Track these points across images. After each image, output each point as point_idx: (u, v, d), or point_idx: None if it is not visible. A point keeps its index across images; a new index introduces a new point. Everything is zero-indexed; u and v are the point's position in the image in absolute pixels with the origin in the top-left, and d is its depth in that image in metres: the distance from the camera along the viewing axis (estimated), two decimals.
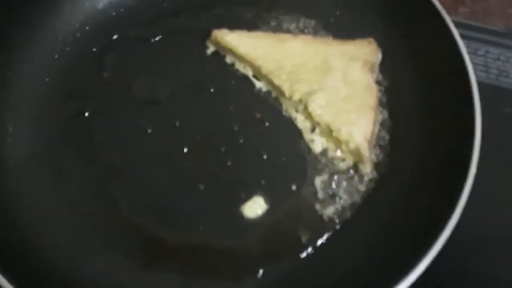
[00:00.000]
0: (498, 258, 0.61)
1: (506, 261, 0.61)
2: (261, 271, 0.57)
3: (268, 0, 0.76)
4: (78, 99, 0.70)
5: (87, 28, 0.75)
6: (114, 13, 0.77)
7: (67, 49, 0.73)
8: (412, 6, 0.68)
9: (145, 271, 0.58)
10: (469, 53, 0.77)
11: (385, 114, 0.67)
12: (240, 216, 0.61)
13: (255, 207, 0.61)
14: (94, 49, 0.74)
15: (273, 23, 0.75)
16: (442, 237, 0.51)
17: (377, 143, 0.65)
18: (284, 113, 0.68)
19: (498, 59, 0.78)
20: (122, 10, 0.77)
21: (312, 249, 0.58)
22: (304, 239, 0.59)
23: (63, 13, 0.74)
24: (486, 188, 0.61)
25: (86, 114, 0.69)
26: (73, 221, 0.61)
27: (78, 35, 0.75)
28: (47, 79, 0.71)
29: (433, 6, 0.65)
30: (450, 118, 0.61)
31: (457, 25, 0.76)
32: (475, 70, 0.75)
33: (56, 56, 0.73)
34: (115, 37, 0.75)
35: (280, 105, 0.68)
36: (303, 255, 0.58)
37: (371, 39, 0.69)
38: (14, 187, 0.62)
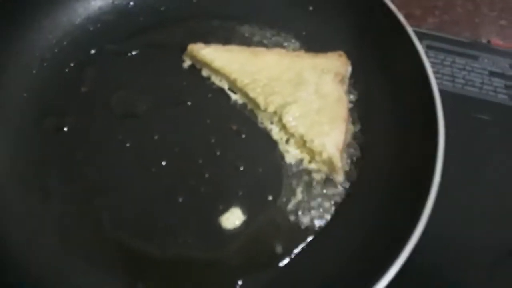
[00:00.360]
0: (464, 261, 0.63)
1: (470, 264, 0.64)
2: (240, 282, 0.58)
3: (242, 14, 0.78)
4: (57, 115, 0.71)
5: (64, 43, 0.76)
6: (91, 28, 0.78)
7: (45, 64, 0.74)
8: (378, 20, 0.71)
9: (128, 286, 0.58)
10: (436, 63, 0.81)
11: (355, 124, 0.69)
12: (219, 227, 0.62)
13: (233, 218, 0.62)
14: (72, 64, 0.75)
15: (247, 36, 0.77)
16: (411, 242, 0.53)
17: (348, 152, 0.67)
18: (259, 125, 0.70)
19: (464, 69, 0.81)
20: (99, 25, 0.78)
21: (290, 258, 0.60)
22: (281, 248, 0.61)
23: (40, 29, 0.75)
24: (456, 189, 0.64)
25: (65, 129, 0.69)
26: (55, 238, 0.61)
27: (56, 50, 0.75)
28: (25, 95, 0.71)
29: (398, 21, 0.68)
30: (415, 126, 0.64)
31: (425, 36, 0.80)
32: (442, 80, 0.79)
33: (34, 71, 0.73)
34: (92, 51, 0.76)
35: (256, 117, 0.70)
36: (281, 264, 0.60)
37: (341, 52, 0.72)
38: None
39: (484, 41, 0.86)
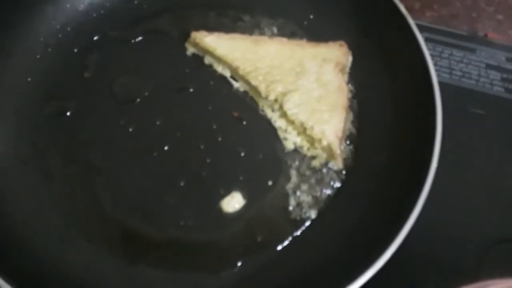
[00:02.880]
0: (455, 249, 0.64)
1: (461, 251, 0.64)
2: (239, 263, 0.59)
3: (244, 3, 0.78)
4: (60, 99, 0.70)
5: (68, 29, 0.76)
6: (94, 15, 0.77)
7: (49, 49, 0.74)
8: (379, 11, 0.70)
9: (128, 266, 0.59)
10: (434, 55, 0.81)
11: (354, 113, 0.69)
12: (219, 211, 0.62)
13: (233, 202, 0.63)
14: (76, 50, 0.74)
15: (249, 25, 0.76)
16: (406, 227, 0.54)
17: (347, 140, 0.67)
18: (260, 112, 0.70)
19: (461, 61, 0.81)
20: (102, 11, 0.78)
21: (288, 241, 0.61)
22: (280, 232, 0.61)
23: (44, 15, 0.75)
24: (449, 181, 0.65)
25: (68, 114, 0.69)
26: (57, 218, 0.62)
27: (60, 36, 0.75)
28: (29, 79, 0.71)
29: (399, 12, 0.68)
30: (414, 116, 0.64)
31: (424, 29, 0.80)
32: (439, 72, 0.79)
33: (38, 56, 0.73)
34: (96, 38, 0.76)
35: (257, 104, 0.70)
36: (279, 247, 0.60)
37: (342, 42, 0.72)
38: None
39: (481, 35, 0.86)
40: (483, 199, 0.69)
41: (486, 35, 0.86)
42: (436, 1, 0.94)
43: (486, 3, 0.96)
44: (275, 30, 0.76)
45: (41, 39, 0.74)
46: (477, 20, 0.92)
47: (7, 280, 0.51)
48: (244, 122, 0.69)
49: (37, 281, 0.55)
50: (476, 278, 0.47)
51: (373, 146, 0.66)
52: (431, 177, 0.56)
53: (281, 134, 0.68)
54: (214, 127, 0.68)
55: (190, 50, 0.74)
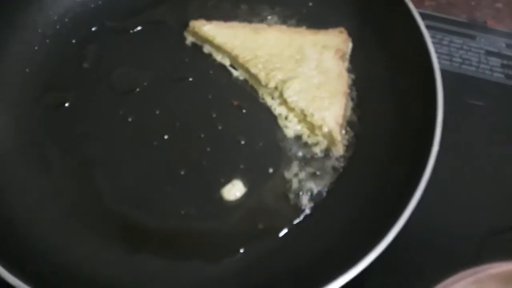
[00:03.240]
0: (454, 238, 0.64)
1: (460, 239, 0.64)
2: (241, 250, 0.58)
3: None
4: (58, 90, 0.70)
5: (66, 20, 0.75)
6: (92, 5, 0.76)
7: (47, 40, 0.73)
8: None
9: (129, 255, 0.58)
10: (434, 43, 0.80)
11: (355, 100, 0.69)
12: (220, 199, 0.62)
13: (234, 190, 0.62)
14: (74, 41, 0.73)
15: (247, 13, 0.75)
16: (406, 212, 0.53)
17: (347, 127, 0.67)
18: (260, 100, 0.69)
19: (461, 48, 0.80)
20: (100, 2, 0.77)
21: (289, 228, 0.60)
22: (281, 219, 0.60)
23: (42, 5, 0.74)
24: (450, 169, 0.64)
25: (67, 105, 0.69)
26: (57, 210, 0.61)
27: (58, 26, 0.74)
28: (27, 70, 0.70)
29: None
30: (415, 102, 0.63)
31: (423, 16, 0.79)
32: (440, 59, 0.78)
33: (36, 47, 0.72)
34: (94, 28, 0.75)
35: (257, 92, 0.70)
36: (281, 234, 0.60)
37: (342, 29, 0.71)
38: None
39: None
40: (483, 188, 0.68)
41: (485, 23, 0.85)
42: None
43: None
44: (274, 18, 0.75)
45: (39, 30, 0.73)
46: (475, 8, 0.92)
47: (9, 270, 0.50)
48: (244, 111, 0.68)
49: (38, 272, 0.54)
50: (475, 264, 0.46)
51: (373, 132, 0.65)
52: (432, 163, 0.56)
53: (281, 122, 0.67)
54: (214, 115, 0.68)
55: (189, 39, 0.74)
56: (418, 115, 0.61)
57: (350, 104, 0.68)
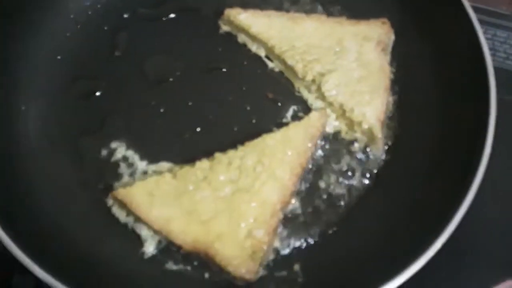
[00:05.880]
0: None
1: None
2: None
3: None
4: (90, 78, 0.66)
5: (98, 6, 0.70)
6: None
7: (79, 27, 0.69)
8: None
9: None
10: None
11: (396, 95, 0.63)
12: None
13: None
14: (106, 28, 0.69)
15: (285, 1, 0.70)
16: (454, 221, 0.48)
17: (387, 123, 0.61)
18: (296, 93, 0.64)
19: (505, 43, 0.74)
20: None
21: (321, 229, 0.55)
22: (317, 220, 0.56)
23: None
24: (501, 172, 0.58)
25: (97, 94, 0.65)
26: (85, 200, 0.58)
27: (90, 13, 0.70)
28: (58, 57, 0.67)
29: None
30: (464, 101, 0.57)
31: None
32: None
33: (68, 34, 0.68)
34: (126, 15, 0.70)
35: (292, 85, 0.65)
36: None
37: (385, 20, 0.65)
38: (28, 166, 0.58)
39: None
40: None
41: None
42: None
43: None
44: (312, 6, 0.69)
45: (71, 16, 0.69)
46: None
47: (36, 262, 0.47)
48: (279, 104, 0.63)
49: (63, 264, 0.50)
50: None
51: (416, 129, 0.60)
52: (484, 165, 0.50)
53: None
54: (248, 108, 0.63)
55: (223, 28, 0.68)
56: (467, 115, 0.55)
57: (391, 100, 0.62)
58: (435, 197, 0.53)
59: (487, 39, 0.73)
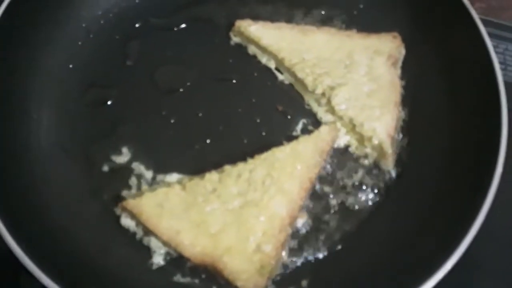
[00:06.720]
0: None
1: None
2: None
3: None
4: (101, 87, 0.66)
5: (110, 15, 0.70)
6: (137, 1, 0.72)
7: (91, 36, 0.69)
8: (438, 0, 0.62)
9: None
10: None
11: (406, 110, 0.62)
12: None
13: None
14: (117, 37, 0.69)
15: (295, 14, 0.69)
16: (467, 238, 0.47)
17: (397, 138, 0.60)
18: (306, 106, 0.63)
19: None
20: None
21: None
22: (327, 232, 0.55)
23: (87, 0, 0.69)
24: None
25: (109, 103, 0.64)
26: (96, 208, 0.57)
27: (102, 22, 0.70)
28: (70, 66, 0.67)
29: (460, 2, 0.59)
30: (475, 117, 0.56)
31: None
32: None
33: (80, 43, 0.68)
34: (137, 25, 0.70)
35: (302, 98, 0.64)
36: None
37: (396, 34, 0.64)
38: (39, 174, 0.58)
39: None
40: None
41: None
42: None
43: None
44: (323, 19, 0.68)
45: (83, 25, 0.69)
46: None
47: (42, 269, 0.46)
48: (289, 117, 0.63)
49: (70, 271, 0.50)
50: None
51: (426, 145, 0.59)
52: (496, 182, 0.49)
53: None
54: (258, 120, 0.62)
55: (234, 39, 0.68)
56: (479, 131, 0.54)
57: (402, 115, 0.61)
58: (446, 213, 0.52)
59: (498, 53, 0.73)
